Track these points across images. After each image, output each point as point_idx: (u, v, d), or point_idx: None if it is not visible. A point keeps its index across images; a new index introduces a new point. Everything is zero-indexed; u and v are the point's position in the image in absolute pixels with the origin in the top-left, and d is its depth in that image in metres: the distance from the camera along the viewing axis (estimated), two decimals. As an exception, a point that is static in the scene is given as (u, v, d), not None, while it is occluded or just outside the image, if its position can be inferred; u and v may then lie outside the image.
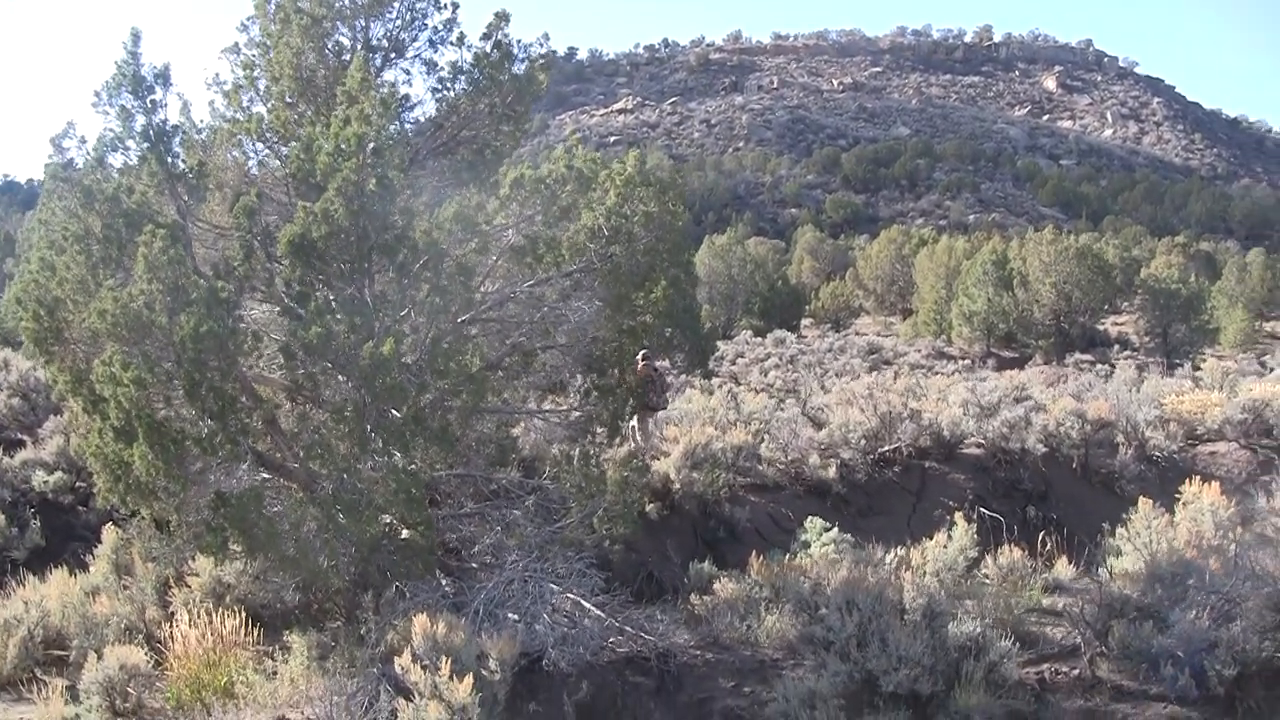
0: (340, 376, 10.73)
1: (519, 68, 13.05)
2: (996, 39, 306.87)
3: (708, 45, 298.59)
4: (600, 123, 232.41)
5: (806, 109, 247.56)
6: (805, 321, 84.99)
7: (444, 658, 8.96)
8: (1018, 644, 10.03)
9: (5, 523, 15.62)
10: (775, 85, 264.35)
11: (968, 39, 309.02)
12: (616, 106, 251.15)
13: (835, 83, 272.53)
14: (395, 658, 9.28)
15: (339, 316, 10.54)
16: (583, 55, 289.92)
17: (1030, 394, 26.21)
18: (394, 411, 10.83)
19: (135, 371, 9.79)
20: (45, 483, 17.00)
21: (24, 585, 13.38)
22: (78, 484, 16.81)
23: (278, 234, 10.62)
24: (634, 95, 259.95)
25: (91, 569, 13.97)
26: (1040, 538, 14.69)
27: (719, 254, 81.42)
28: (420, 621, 9.45)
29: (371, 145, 10.51)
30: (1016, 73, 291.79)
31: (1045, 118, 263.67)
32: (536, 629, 10.63)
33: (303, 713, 9.89)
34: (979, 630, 9.96)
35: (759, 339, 64.76)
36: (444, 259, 10.88)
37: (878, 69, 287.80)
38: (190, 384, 9.95)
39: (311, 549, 10.93)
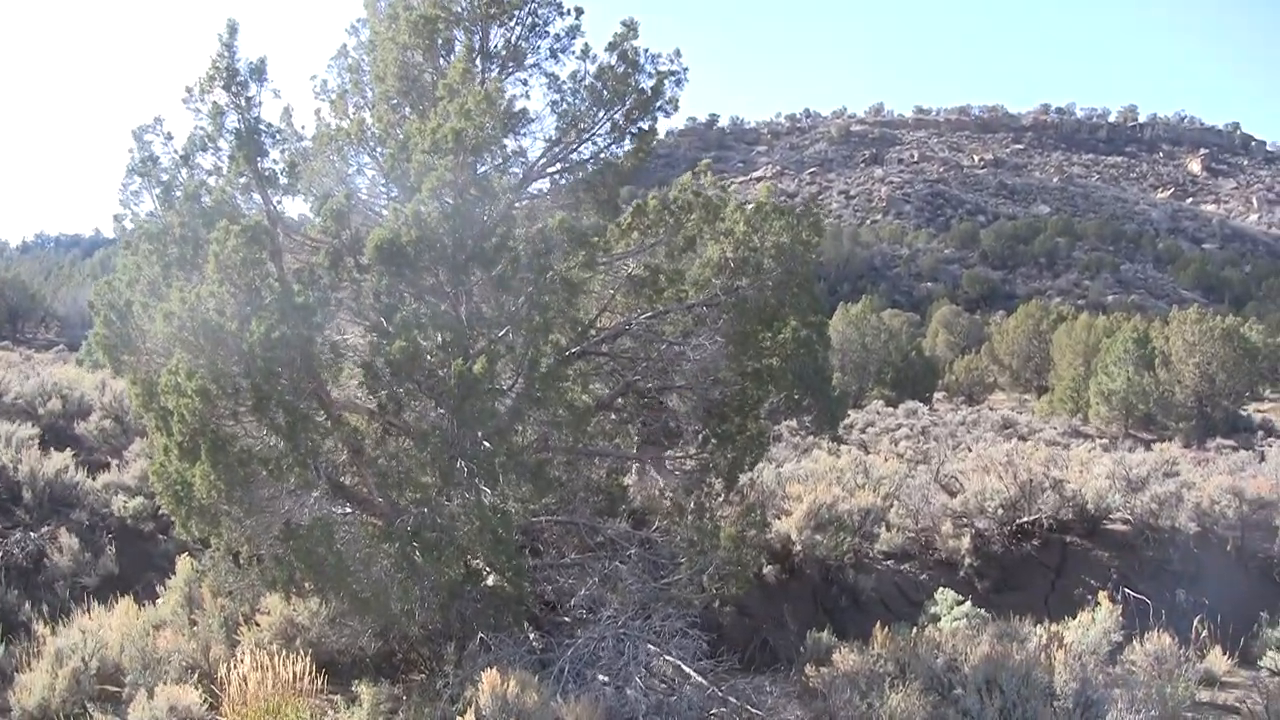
0: (428, 400, 9.68)
1: (645, 81, 12.00)
2: (1141, 119, 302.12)
3: (849, 116, 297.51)
4: (738, 190, 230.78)
5: (946, 183, 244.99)
6: (938, 395, 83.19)
7: (513, 721, 7.80)
8: (1186, 745, 8.65)
9: (79, 547, 14.80)
10: (915, 159, 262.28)
11: (1112, 118, 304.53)
12: (755, 174, 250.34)
13: (976, 158, 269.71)
14: (458, 719, 8.10)
15: (429, 332, 9.53)
16: (724, 123, 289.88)
17: (1179, 469, 24.49)
18: (486, 442, 9.78)
19: (200, 381, 8.86)
20: (125, 507, 16.12)
21: (89, 614, 12.46)
22: (160, 511, 15.93)
23: (369, 241, 9.63)
24: (773, 164, 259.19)
25: (159, 601, 13.05)
26: (1194, 625, 13.45)
27: (853, 322, 79.83)
28: (489, 678, 8.28)
29: (472, 143, 9.47)
30: (1160, 154, 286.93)
31: (1189, 200, 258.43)
32: (628, 693, 9.42)
33: (360, 774, 8.76)
34: (1142, 725, 8.59)
35: (890, 409, 63.05)
36: (548, 272, 9.79)
37: (1019, 146, 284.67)
38: (258, 397, 8.96)
39: (385, 590, 9.86)
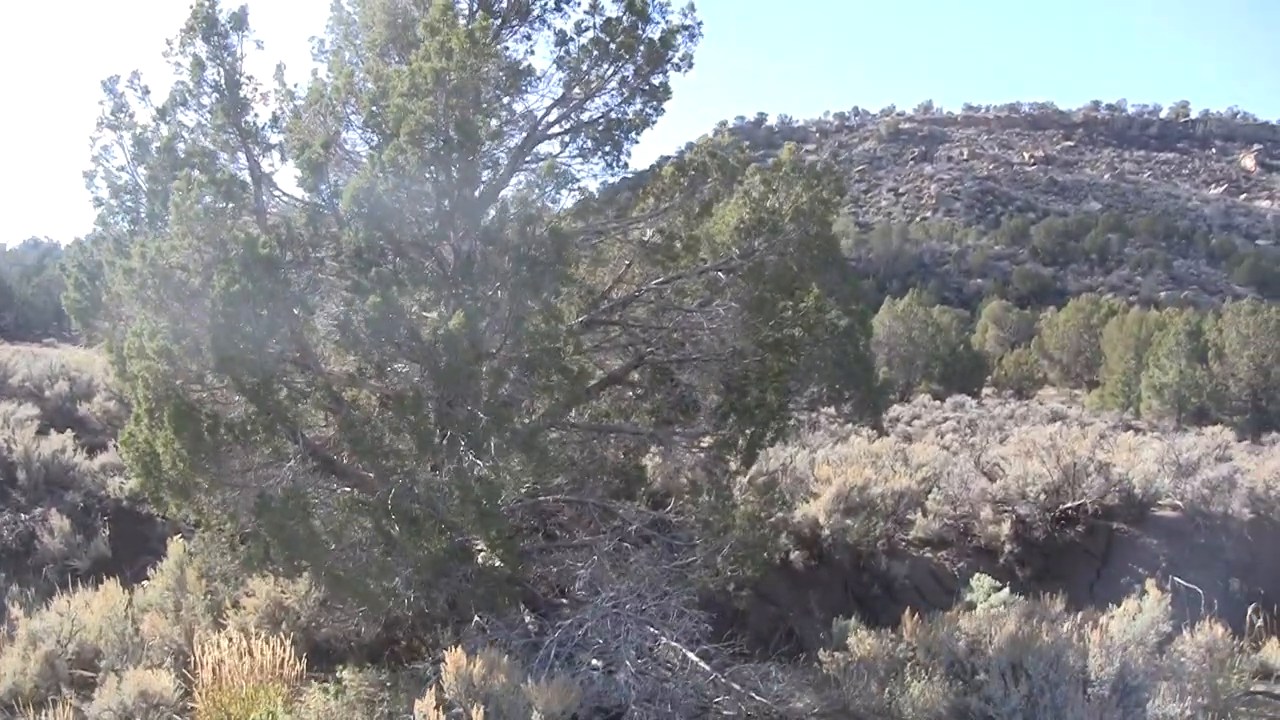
0: (410, 361, 9.01)
1: (654, 32, 11.22)
2: (1193, 115, 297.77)
3: (898, 114, 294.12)
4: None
5: (996, 180, 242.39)
6: (986, 389, 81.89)
7: (477, 705, 7.06)
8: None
9: (71, 529, 14.31)
10: (965, 156, 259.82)
11: (1163, 115, 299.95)
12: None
13: (1026, 155, 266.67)
14: (416, 701, 7.39)
15: (409, 289, 8.83)
16: (772, 121, 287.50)
17: (1232, 454, 23.54)
18: (481, 412, 9.09)
19: (161, 341, 8.21)
20: (121, 488, 15.67)
21: (71, 596, 11.88)
22: (159, 491, 15.50)
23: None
24: (822, 162, 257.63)
25: (147, 584, 12.45)
26: (1248, 615, 12.67)
27: (900, 317, 78.56)
28: (453, 659, 7.57)
29: (453, 85, 8.75)
30: (1213, 150, 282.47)
31: (1242, 197, 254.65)
32: (618, 678, 8.67)
33: (325, 763, 8.06)
34: (1187, 713, 7.78)
35: (937, 402, 61.96)
36: (536, 223, 9.06)
37: (1070, 143, 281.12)
38: (220, 356, 8.30)
39: (364, 568, 9.18)
